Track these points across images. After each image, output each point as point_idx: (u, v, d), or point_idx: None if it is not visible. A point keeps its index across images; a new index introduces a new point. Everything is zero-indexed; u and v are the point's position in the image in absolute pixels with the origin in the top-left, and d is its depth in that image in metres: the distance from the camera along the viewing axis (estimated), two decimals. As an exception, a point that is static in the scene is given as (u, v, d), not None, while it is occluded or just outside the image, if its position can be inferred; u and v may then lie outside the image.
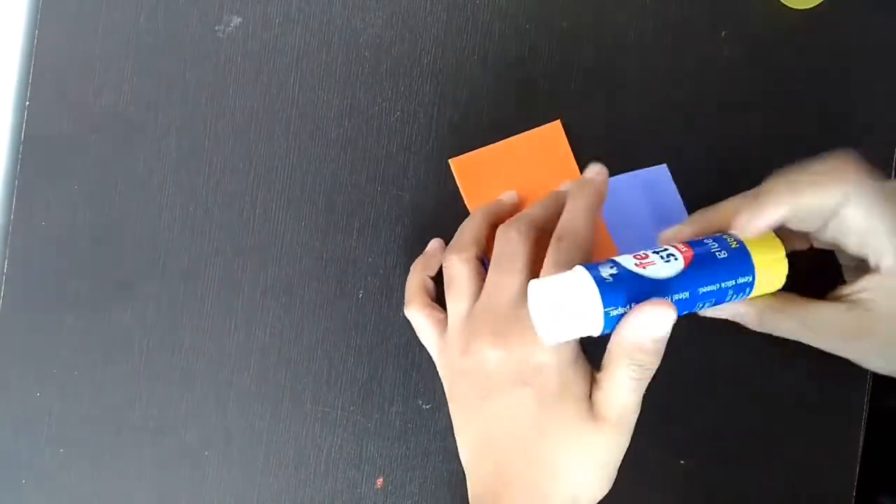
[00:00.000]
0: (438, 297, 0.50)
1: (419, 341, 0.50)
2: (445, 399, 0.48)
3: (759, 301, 0.46)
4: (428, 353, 0.49)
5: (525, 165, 0.51)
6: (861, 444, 0.52)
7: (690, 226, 0.47)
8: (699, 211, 0.47)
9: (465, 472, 0.47)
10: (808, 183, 0.44)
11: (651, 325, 0.40)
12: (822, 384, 0.52)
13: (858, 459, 0.52)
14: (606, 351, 0.42)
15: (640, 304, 0.40)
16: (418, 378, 0.52)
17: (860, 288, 0.45)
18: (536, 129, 0.51)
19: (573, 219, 0.45)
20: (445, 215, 0.51)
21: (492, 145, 0.51)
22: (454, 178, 0.52)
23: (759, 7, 0.52)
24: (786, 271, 0.45)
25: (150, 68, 0.53)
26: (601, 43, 0.52)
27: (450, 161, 0.51)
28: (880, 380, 0.53)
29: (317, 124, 0.53)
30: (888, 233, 0.43)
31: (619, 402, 0.42)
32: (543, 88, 0.52)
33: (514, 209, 0.51)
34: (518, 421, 0.44)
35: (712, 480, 0.52)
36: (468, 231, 0.49)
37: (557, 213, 0.46)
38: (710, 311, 0.46)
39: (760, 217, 0.43)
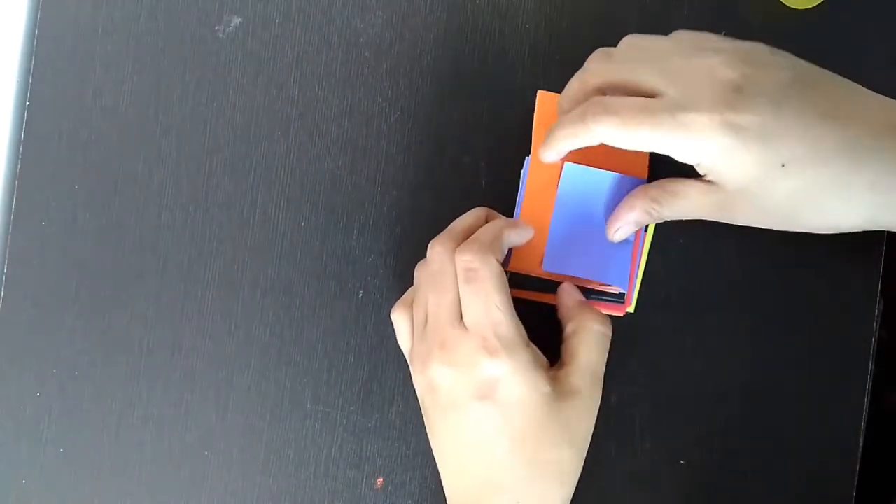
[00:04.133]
0: None
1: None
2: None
3: (640, 202, 0.47)
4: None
5: None
6: (861, 443, 0.52)
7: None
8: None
9: (444, 486, 0.47)
10: (566, 134, 0.46)
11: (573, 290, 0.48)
12: (823, 384, 0.52)
13: (859, 459, 0.52)
14: (570, 324, 0.47)
15: (560, 288, 0.48)
16: (418, 378, 0.52)
17: (705, 173, 0.44)
18: None
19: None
20: (445, 215, 0.51)
21: None
22: (453, 176, 0.52)
23: (759, 7, 0.52)
24: None
25: (150, 68, 0.53)
26: (601, 43, 0.52)
27: (538, 92, 0.51)
28: (880, 378, 0.53)
29: (317, 124, 0.53)
30: (654, 135, 0.43)
31: (593, 367, 0.47)
32: (544, 88, 0.52)
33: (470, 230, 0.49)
34: (486, 434, 0.44)
35: (712, 480, 0.52)
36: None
37: (480, 224, 0.48)
38: (622, 232, 0.48)
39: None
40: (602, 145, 0.45)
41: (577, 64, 0.48)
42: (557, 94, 0.50)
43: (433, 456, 0.51)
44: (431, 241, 0.47)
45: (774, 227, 0.45)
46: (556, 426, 0.45)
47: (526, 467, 0.44)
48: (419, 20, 0.53)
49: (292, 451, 0.53)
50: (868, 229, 0.44)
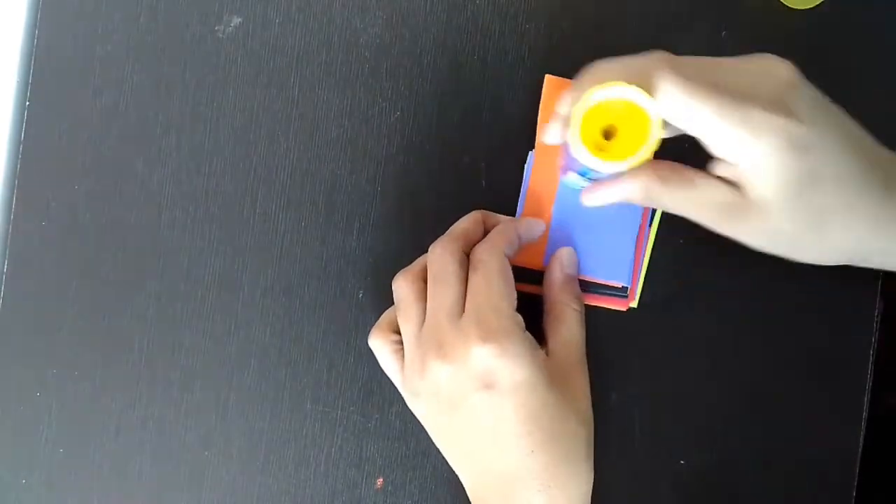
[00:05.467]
0: None
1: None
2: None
3: (644, 176, 0.43)
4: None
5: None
6: (861, 444, 0.52)
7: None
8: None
9: (466, 491, 0.47)
10: (617, 72, 0.43)
11: (570, 263, 0.49)
12: (823, 384, 0.52)
13: (858, 459, 0.52)
14: (547, 306, 0.49)
15: (552, 255, 0.50)
16: (418, 378, 0.52)
17: (734, 172, 0.42)
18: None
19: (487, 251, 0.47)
20: (445, 215, 0.51)
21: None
22: (453, 176, 0.52)
23: (759, 7, 0.52)
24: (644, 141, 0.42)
25: (150, 68, 0.53)
26: (601, 43, 0.52)
27: (546, 76, 0.51)
28: (880, 380, 0.53)
29: (317, 124, 0.53)
30: (714, 115, 0.40)
31: (576, 341, 0.48)
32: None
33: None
34: (495, 424, 0.44)
35: (712, 480, 0.52)
36: (425, 257, 0.49)
37: (481, 226, 0.49)
38: (599, 198, 0.45)
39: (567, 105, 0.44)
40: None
41: (576, 64, 0.48)
42: (566, 79, 0.50)
43: (433, 456, 0.51)
44: (432, 245, 0.48)
45: (764, 249, 0.44)
46: (562, 402, 0.45)
47: (544, 450, 0.44)
48: (419, 20, 0.53)
49: (292, 451, 0.53)
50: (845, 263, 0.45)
